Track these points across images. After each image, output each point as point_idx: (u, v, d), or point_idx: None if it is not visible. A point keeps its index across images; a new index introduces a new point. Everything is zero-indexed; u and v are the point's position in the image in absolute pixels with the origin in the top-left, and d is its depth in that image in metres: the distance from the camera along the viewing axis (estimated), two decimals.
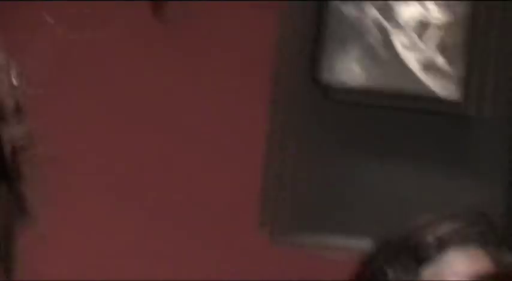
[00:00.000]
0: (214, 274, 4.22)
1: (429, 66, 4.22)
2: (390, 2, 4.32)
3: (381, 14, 4.23)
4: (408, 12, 4.23)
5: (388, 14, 4.23)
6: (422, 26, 4.40)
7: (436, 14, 4.28)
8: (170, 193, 4.35)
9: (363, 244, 3.56)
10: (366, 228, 3.76)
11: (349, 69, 4.05)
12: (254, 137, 4.38)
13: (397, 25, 4.20)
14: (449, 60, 4.28)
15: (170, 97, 4.09)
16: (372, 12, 4.20)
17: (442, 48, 4.27)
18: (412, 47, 4.25)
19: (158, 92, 4.10)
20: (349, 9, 4.19)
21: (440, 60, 4.21)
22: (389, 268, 2.32)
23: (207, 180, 4.27)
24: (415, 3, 4.41)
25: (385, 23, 4.20)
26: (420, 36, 4.30)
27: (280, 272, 4.25)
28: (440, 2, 4.38)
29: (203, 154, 4.20)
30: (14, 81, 1.56)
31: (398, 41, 4.21)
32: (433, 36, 4.33)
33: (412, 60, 4.22)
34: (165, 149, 4.13)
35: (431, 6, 4.39)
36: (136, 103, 4.14)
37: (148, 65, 4.11)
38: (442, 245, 2.42)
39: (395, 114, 4.19)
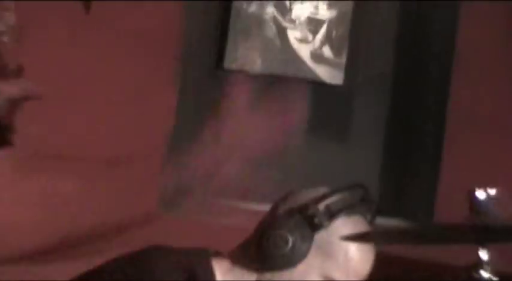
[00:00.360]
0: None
1: (317, 56, 4.95)
2: (286, 2, 5.02)
3: (277, 11, 5.02)
4: (301, 10, 4.89)
5: (284, 11, 5.00)
6: (313, 22, 5.05)
7: (324, 11, 5.03)
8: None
9: (259, 209, 4.31)
10: (265, 195, 4.26)
11: (250, 58, 4.85)
12: (162, 113, 5.15)
13: (291, 21, 4.95)
14: (335, 50, 5.02)
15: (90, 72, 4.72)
16: (270, 10, 4.97)
17: (329, 41, 5.04)
18: (304, 40, 4.97)
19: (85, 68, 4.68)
20: (251, 7, 4.95)
21: (327, 51, 4.96)
22: (290, 235, 2.51)
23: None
24: (307, 2, 5.09)
25: (281, 20, 4.99)
26: (310, 30, 5.04)
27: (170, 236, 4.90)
28: (327, 1, 5.17)
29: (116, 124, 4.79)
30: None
31: (292, 35, 4.92)
32: (321, 30, 5.07)
33: (303, 51, 4.95)
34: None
35: (320, 5, 5.14)
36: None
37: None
38: (332, 214, 3.12)
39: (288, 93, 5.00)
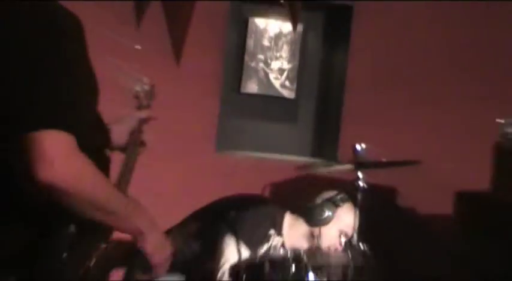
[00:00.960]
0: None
1: (282, 85, 7.84)
2: (268, 60, 7.90)
3: (264, 65, 7.77)
4: (274, 64, 7.82)
5: (267, 65, 7.75)
6: (280, 70, 7.89)
7: (285, 65, 7.80)
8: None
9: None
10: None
11: (251, 88, 7.77)
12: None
13: (271, 69, 7.74)
14: (290, 82, 7.83)
15: None
16: (261, 65, 7.74)
17: (288, 78, 7.90)
18: (276, 78, 7.81)
19: None
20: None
21: (287, 82, 7.83)
22: (327, 209, 5.61)
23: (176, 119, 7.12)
24: (278, 61, 7.93)
25: (266, 69, 7.77)
26: (279, 72, 7.83)
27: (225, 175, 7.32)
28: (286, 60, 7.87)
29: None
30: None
31: (271, 75, 7.72)
32: (284, 73, 7.83)
33: (276, 82, 7.79)
34: None
35: (284, 62, 7.90)
36: None
37: None
38: (343, 200, 5.67)
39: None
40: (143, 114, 4.72)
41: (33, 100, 2.94)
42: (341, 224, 5.65)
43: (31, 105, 2.92)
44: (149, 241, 3.29)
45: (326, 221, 5.72)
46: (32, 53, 3.00)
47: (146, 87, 4.91)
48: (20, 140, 2.87)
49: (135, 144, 4.49)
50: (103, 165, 3.25)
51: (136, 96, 5.07)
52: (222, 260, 5.66)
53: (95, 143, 3.20)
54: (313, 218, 5.74)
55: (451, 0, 7.70)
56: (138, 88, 4.97)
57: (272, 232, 5.81)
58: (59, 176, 2.89)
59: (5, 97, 2.94)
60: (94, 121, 3.28)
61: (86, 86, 3.13)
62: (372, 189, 5.50)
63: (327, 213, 5.73)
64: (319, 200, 5.80)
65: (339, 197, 5.86)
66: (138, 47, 6.91)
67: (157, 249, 3.35)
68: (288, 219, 5.86)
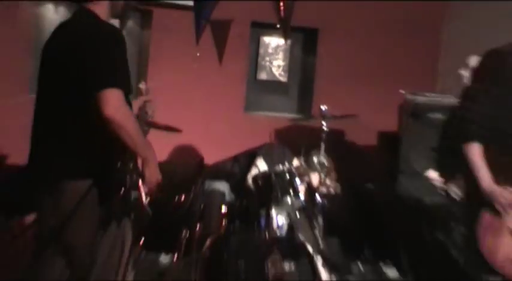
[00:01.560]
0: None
1: (280, 74, 8.77)
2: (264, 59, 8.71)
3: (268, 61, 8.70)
4: (276, 62, 8.73)
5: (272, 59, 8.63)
6: (281, 67, 8.86)
7: (282, 77, 8.73)
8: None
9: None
10: None
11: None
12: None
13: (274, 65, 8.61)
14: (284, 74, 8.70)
15: None
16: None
17: (284, 71, 8.75)
18: (277, 72, 8.79)
19: None
20: None
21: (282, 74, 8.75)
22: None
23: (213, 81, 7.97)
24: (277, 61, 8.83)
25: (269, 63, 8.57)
26: (279, 68, 8.81)
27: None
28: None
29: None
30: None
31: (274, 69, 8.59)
32: (282, 66, 8.78)
33: (278, 74, 8.66)
34: None
35: (281, 66, 8.69)
36: None
37: None
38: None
39: None
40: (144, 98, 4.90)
41: (103, 72, 3.50)
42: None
43: (102, 75, 3.49)
44: (149, 166, 3.75)
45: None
46: (102, 48, 3.56)
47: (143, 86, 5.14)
48: (95, 95, 3.44)
49: (141, 120, 4.59)
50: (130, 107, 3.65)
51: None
52: (252, 170, 6.51)
53: (128, 93, 3.60)
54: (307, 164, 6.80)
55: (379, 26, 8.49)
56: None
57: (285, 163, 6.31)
58: (115, 114, 3.44)
59: (88, 69, 3.48)
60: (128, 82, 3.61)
61: (127, 65, 3.62)
62: (331, 132, 6.59)
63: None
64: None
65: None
66: (198, 54, 7.77)
67: (152, 174, 3.77)
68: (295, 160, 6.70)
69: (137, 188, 3.82)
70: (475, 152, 3.76)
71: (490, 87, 3.78)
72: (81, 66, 3.49)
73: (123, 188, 3.74)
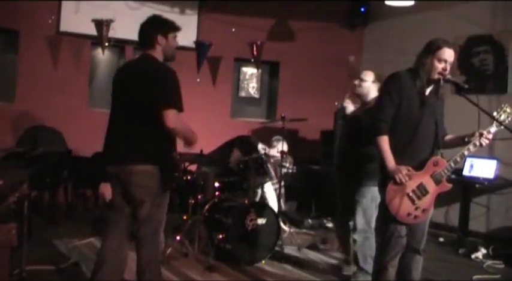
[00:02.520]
0: None
1: (256, 91, 8.59)
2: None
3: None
4: (251, 85, 8.55)
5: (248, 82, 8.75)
6: (251, 75, 8.58)
7: (255, 90, 8.52)
8: None
9: None
10: None
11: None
12: None
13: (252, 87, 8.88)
14: (258, 91, 8.54)
15: None
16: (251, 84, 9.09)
17: (258, 89, 8.62)
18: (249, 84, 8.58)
19: None
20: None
21: (255, 92, 8.58)
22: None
23: None
24: (253, 83, 8.68)
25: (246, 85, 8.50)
26: (253, 88, 8.64)
27: None
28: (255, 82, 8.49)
29: None
30: None
31: (250, 88, 8.62)
32: (254, 85, 8.61)
33: (252, 91, 8.60)
34: None
35: (254, 84, 8.55)
36: None
37: None
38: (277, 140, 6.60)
39: None
40: None
41: (165, 97, 3.50)
42: (279, 148, 6.35)
43: (165, 99, 3.49)
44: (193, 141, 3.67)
45: (274, 146, 6.88)
46: (167, 81, 3.55)
47: None
48: (162, 112, 3.45)
49: None
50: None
51: None
52: (231, 156, 6.53)
53: (181, 111, 3.57)
54: (271, 146, 6.83)
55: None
56: None
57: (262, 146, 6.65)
58: (173, 125, 3.47)
59: (158, 94, 3.48)
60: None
61: (180, 92, 3.59)
62: (289, 133, 6.53)
63: (275, 143, 6.86)
64: (273, 139, 6.89)
65: (276, 138, 6.81)
66: (198, 80, 7.99)
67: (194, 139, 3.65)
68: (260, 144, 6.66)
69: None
70: (384, 142, 3.70)
71: (392, 97, 3.73)
72: (153, 91, 3.51)
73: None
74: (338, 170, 4.88)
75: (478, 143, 3.61)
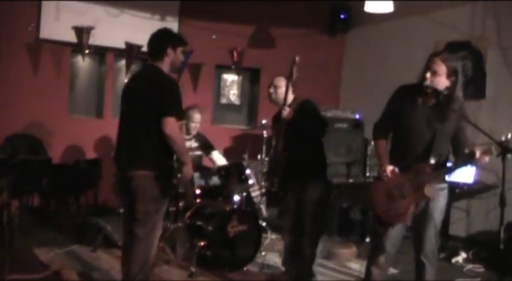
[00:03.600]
0: None
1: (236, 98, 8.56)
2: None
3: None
4: (232, 92, 8.57)
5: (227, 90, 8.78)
6: (232, 82, 8.52)
7: (236, 78, 8.37)
8: None
9: None
10: None
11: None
12: None
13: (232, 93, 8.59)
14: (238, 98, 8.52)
15: None
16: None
17: (238, 96, 8.61)
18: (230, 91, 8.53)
19: None
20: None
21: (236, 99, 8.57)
22: None
23: None
24: (233, 89, 8.60)
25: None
26: (234, 95, 8.63)
27: None
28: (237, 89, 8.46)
29: None
30: None
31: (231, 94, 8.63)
32: (235, 92, 8.60)
33: (234, 97, 8.56)
34: None
35: (235, 91, 8.47)
36: None
37: None
38: None
39: None
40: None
41: (167, 106, 3.75)
42: None
43: (167, 108, 3.73)
44: (185, 166, 3.90)
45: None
46: (168, 90, 3.81)
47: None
48: (162, 119, 3.71)
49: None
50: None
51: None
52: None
53: (181, 119, 3.88)
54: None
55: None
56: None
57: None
58: (171, 133, 3.71)
59: (160, 103, 3.73)
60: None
61: (181, 102, 3.85)
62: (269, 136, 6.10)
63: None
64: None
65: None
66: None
67: (187, 171, 3.92)
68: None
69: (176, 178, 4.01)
70: (379, 145, 3.94)
71: (390, 106, 3.97)
72: (156, 100, 3.75)
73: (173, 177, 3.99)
74: None
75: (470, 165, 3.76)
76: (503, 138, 3.47)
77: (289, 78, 4.66)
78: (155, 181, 3.79)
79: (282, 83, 4.78)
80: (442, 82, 3.71)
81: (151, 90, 3.81)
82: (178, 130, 3.80)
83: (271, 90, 4.83)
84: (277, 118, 4.81)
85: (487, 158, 3.55)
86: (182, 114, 3.87)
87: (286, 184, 4.62)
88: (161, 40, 3.97)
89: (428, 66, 3.73)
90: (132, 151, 3.85)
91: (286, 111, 4.55)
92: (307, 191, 4.57)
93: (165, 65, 3.95)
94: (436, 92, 3.69)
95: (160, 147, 3.77)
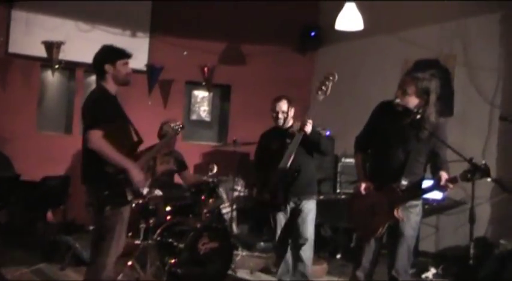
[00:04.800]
0: None
1: (207, 114, 8.54)
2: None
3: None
4: (203, 109, 8.54)
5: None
6: (203, 98, 8.50)
7: (207, 95, 8.40)
8: None
9: None
10: None
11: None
12: None
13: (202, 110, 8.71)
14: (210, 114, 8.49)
15: None
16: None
17: (209, 113, 8.58)
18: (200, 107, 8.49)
19: None
20: None
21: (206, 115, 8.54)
22: None
23: None
24: (203, 107, 8.58)
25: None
26: (204, 111, 8.57)
27: None
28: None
29: None
30: None
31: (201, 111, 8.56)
32: (206, 109, 8.54)
33: (204, 114, 8.62)
34: None
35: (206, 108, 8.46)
36: None
37: None
38: None
39: None
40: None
41: (87, 120, 3.82)
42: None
43: (87, 122, 3.81)
44: (131, 172, 3.79)
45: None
46: (91, 104, 3.88)
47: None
48: (85, 135, 3.77)
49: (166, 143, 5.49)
50: (123, 142, 3.87)
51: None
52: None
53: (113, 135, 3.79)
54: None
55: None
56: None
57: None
58: (92, 147, 3.72)
59: (84, 119, 3.91)
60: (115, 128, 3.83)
61: (104, 113, 3.80)
62: (240, 156, 6.48)
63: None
64: None
65: None
66: (149, 102, 8.00)
67: (135, 176, 3.81)
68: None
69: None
70: (357, 158, 4.08)
71: (369, 122, 4.08)
72: (83, 117, 3.95)
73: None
74: None
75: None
76: (479, 163, 3.51)
77: (320, 92, 4.74)
78: (97, 193, 3.79)
79: (286, 106, 5.03)
80: (411, 101, 3.77)
81: (83, 109, 3.96)
82: (102, 141, 3.72)
83: (280, 116, 4.98)
84: (276, 135, 4.99)
85: (451, 186, 3.60)
86: (103, 123, 3.78)
87: (291, 197, 4.78)
88: (98, 58, 3.97)
89: (399, 85, 3.77)
90: (82, 167, 3.92)
91: (309, 127, 4.67)
92: (309, 202, 4.85)
93: (108, 82, 3.96)
94: (407, 111, 3.73)
95: (97, 160, 3.75)
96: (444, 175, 3.62)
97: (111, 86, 3.97)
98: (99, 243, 3.83)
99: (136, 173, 3.83)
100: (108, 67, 3.92)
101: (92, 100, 3.90)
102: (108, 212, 3.79)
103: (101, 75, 3.97)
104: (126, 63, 4.00)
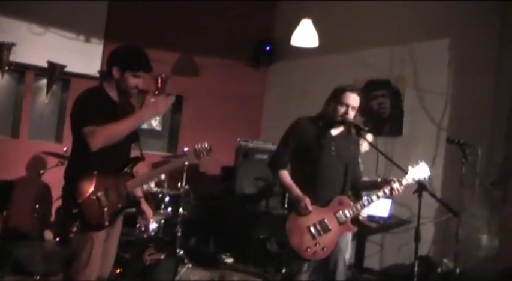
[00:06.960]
0: None
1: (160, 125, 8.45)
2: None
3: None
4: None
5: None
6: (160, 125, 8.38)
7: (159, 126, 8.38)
8: None
9: None
10: None
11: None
12: None
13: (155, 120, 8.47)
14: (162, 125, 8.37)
15: None
16: None
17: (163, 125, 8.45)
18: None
19: None
20: None
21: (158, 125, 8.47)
22: None
23: None
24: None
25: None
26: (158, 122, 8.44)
27: None
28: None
29: None
30: None
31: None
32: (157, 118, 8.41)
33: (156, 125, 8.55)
34: None
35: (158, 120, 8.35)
36: None
37: None
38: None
39: None
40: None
41: (81, 121, 3.40)
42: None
43: (80, 123, 3.39)
44: (149, 109, 3.61)
45: None
46: (77, 111, 3.48)
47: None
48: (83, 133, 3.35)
49: None
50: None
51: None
52: None
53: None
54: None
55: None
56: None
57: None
58: (98, 143, 3.34)
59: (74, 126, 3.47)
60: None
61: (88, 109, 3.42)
62: (190, 167, 6.50)
63: None
64: None
65: None
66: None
67: (155, 106, 3.57)
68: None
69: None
70: (284, 175, 3.97)
71: (286, 140, 4.07)
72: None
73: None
74: None
75: (388, 192, 3.79)
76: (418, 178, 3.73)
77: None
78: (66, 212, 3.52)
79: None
80: (353, 116, 3.91)
81: (71, 109, 3.61)
82: (100, 132, 3.33)
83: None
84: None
85: (401, 187, 3.75)
86: (92, 119, 3.37)
87: None
88: (110, 57, 3.63)
89: (344, 101, 3.87)
90: (71, 164, 3.71)
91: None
92: None
93: (110, 85, 3.59)
94: (349, 125, 3.88)
95: (72, 174, 3.46)
96: (393, 180, 3.78)
97: (112, 91, 3.61)
98: (71, 263, 3.47)
99: (156, 105, 3.59)
100: (115, 71, 3.55)
101: (81, 98, 3.50)
102: (77, 232, 3.42)
103: (107, 77, 3.61)
104: (138, 76, 3.59)
